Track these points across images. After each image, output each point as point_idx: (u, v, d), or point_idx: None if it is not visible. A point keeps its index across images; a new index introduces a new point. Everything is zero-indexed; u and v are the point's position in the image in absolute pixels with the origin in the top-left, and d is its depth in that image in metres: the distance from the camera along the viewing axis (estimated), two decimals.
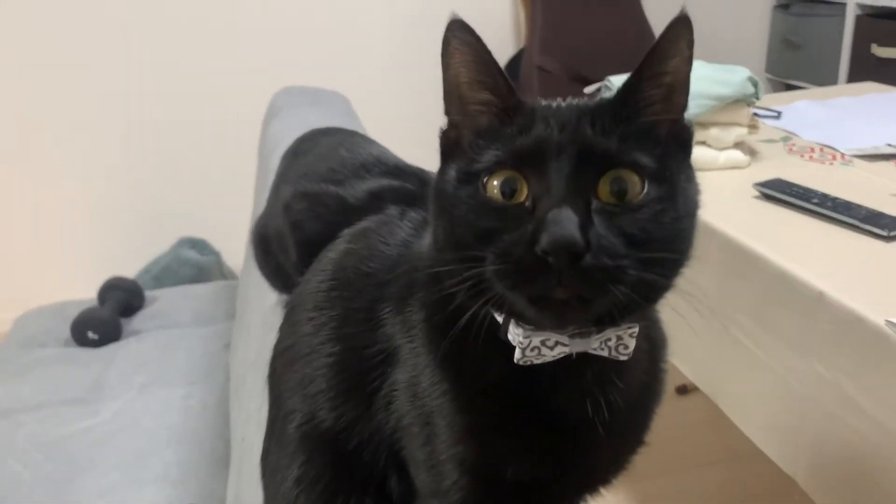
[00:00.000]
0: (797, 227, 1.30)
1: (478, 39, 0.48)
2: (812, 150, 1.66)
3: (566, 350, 0.48)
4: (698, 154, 1.54)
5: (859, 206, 1.28)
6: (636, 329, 0.49)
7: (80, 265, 2.87)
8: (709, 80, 1.56)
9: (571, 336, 0.48)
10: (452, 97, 0.49)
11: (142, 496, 1.34)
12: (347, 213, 0.76)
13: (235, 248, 2.30)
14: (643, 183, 0.47)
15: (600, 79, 1.69)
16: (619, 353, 0.49)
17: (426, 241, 0.57)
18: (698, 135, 1.57)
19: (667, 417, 2.13)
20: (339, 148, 1.09)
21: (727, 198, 1.44)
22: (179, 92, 2.89)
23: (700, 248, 1.34)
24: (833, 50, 2.93)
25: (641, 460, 1.97)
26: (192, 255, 2.87)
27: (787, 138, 1.76)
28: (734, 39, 3.26)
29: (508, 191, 0.45)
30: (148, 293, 2.15)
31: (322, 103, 1.91)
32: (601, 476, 0.59)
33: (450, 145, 0.50)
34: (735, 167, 1.57)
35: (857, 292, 1.05)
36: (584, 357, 0.49)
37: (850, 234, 1.24)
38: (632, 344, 0.49)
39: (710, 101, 1.53)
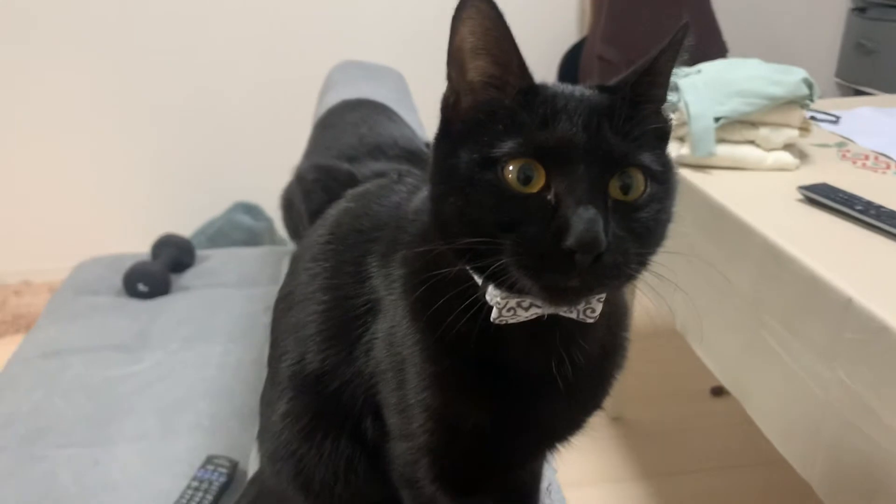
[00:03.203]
0: (837, 234, 1.28)
1: (497, 13, 0.49)
2: (866, 157, 1.62)
3: (539, 311, 0.50)
4: (746, 153, 1.55)
5: None
6: (604, 295, 0.51)
7: (138, 221, 2.97)
8: (763, 79, 1.53)
9: None
10: (455, 62, 0.51)
11: (174, 443, 1.40)
12: (354, 187, 0.81)
13: None
14: (646, 182, 0.49)
15: None
16: (587, 317, 0.51)
17: (414, 203, 0.61)
18: (747, 134, 1.56)
19: (700, 417, 2.14)
20: (361, 125, 1.14)
21: (770, 199, 1.43)
22: (243, 61, 2.97)
23: (738, 247, 1.34)
24: None
25: (671, 456, 1.97)
26: (245, 219, 2.95)
27: (843, 144, 1.72)
28: (806, 41, 3.19)
29: (523, 177, 0.47)
30: (199, 252, 2.22)
31: (377, 79, 1.95)
32: (558, 433, 0.61)
33: (447, 110, 0.52)
34: (783, 169, 1.55)
35: (887, 301, 1.04)
36: (554, 318, 0.51)
37: (890, 244, 1.22)
38: (599, 308, 0.51)
39: (762, 100, 1.51)
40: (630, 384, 2.22)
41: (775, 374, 1.24)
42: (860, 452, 1.06)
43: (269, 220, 3.04)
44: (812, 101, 1.55)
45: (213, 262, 2.19)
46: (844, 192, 1.36)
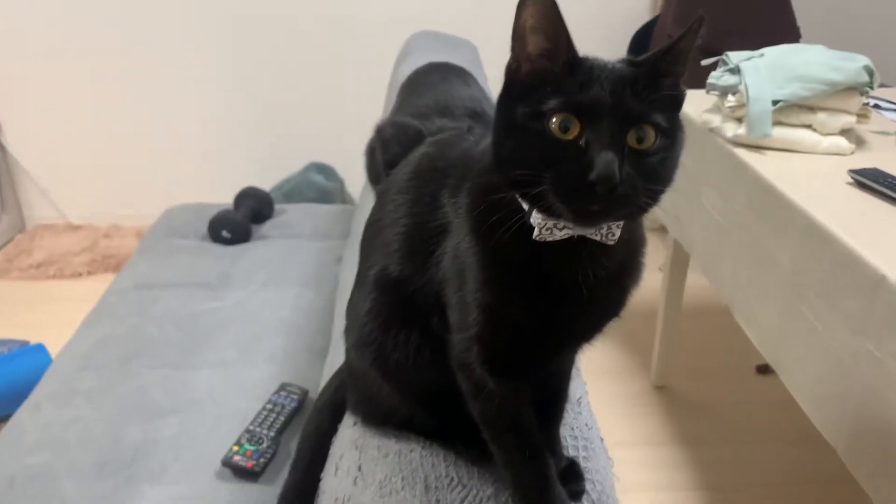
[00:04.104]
0: (880, 215, 1.33)
1: (552, 1, 0.62)
2: None
3: (570, 232, 0.64)
4: (802, 137, 1.60)
5: None
6: (622, 223, 0.65)
7: (221, 174, 3.17)
8: (824, 65, 1.58)
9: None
10: (517, 37, 0.64)
11: (251, 371, 1.55)
12: (422, 141, 0.98)
13: (358, 178, 2.50)
14: (656, 135, 0.62)
15: (727, 51, 1.73)
16: (608, 239, 0.65)
17: (480, 148, 0.75)
18: (804, 118, 1.61)
19: (743, 393, 2.22)
20: (438, 87, 1.32)
21: (819, 181, 1.48)
22: (324, 29, 3.11)
23: (783, 224, 1.40)
24: None
25: (709, 426, 2.05)
26: (318, 179, 3.10)
27: None
28: (883, 29, 3.15)
29: (563, 128, 0.61)
30: (277, 206, 2.39)
31: (451, 49, 2.05)
32: (582, 333, 0.75)
33: (510, 74, 0.66)
34: (837, 153, 1.59)
35: None
36: (582, 239, 0.65)
37: None
38: (617, 233, 0.65)
39: (821, 85, 1.56)
40: (678, 357, 2.32)
41: (810, 345, 1.31)
42: (884, 419, 1.13)
43: (340, 181, 3.20)
44: (872, 88, 1.59)
45: (290, 215, 2.35)
46: (893, 177, 1.40)
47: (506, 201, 0.65)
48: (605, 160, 0.58)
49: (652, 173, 0.62)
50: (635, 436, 2.13)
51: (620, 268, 0.70)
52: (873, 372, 1.15)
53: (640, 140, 0.61)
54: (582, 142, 0.60)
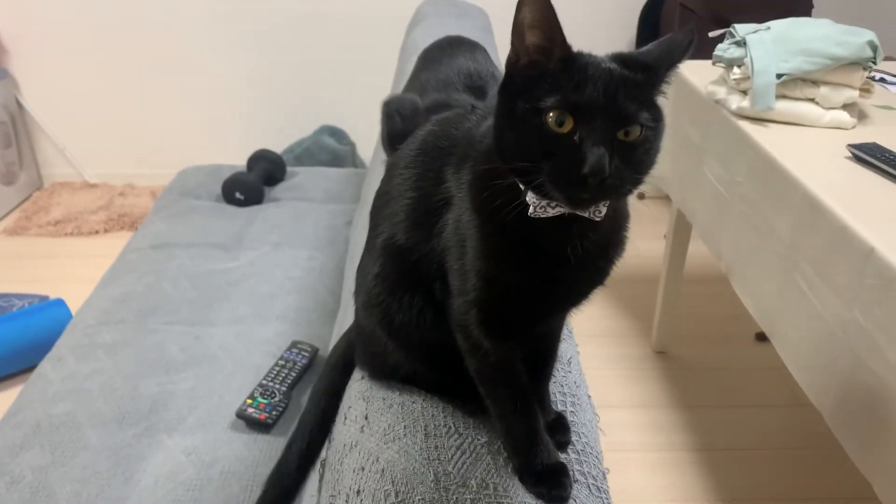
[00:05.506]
0: (875, 190, 1.37)
1: (548, 3, 0.67)
2: None
3: (562, 210, 0.70)
4: (804, 110, 1.63)
5: None
6: (608, 203, 0.71)
7: (235, 137, 3.22)
8: (828, 39, 1.60)
9: None
10: (517, 32, 0.69)
11: (264, 328, 1.62)
12: (419, 114, 1.14)
13: (369, 142, 2.55)
14: (642, 130, 0.68)
15: (739, 22, 1.76)
16: (594, 216, 0.71)
17: (481, 130, 0.81)
18: (807, 91, 1.64)
19: (741, 359, 2.28)
20: (443, 61, 1.43)
21: (819, 155, 1.51)
22: None
23: (782, 196, 1.45)
24: None
25: (705, 391, 2.12)
26: (330, 142, 3.15)
27: None
28: None
29: (559, 122, 0.66)
30: (289, 168, 2.44)
31: (463, 16, 2.08)
32: (571, 299, 0.82)
33: (510, 66, 0.71)
34: (839, 127, 1.63)
35: None
36: (572, 216, 0.71)
37: None
38: (604, 210, 0.71)
39: (824, 59, 1.58)
40: (679, 323, 2.37)
41: (802, 314, 1.36)
42: (867, 385, 1.18)
43: (352, 145, 3.24)
44: (875, 63, 1.61)
45: (302, 178, 2.40)
46: (892, 153, 1.44)
47: (506, 186, 0.71)
48: (597, 156, 0.63)
49: (637, 164, 0.67)
50: (634, 398, 2.20)
51: (606, 241, 0.76)
52: (859, 341, 1.20)
53: (626, 134, 0.66)
54: (576, 137, 0.65)
